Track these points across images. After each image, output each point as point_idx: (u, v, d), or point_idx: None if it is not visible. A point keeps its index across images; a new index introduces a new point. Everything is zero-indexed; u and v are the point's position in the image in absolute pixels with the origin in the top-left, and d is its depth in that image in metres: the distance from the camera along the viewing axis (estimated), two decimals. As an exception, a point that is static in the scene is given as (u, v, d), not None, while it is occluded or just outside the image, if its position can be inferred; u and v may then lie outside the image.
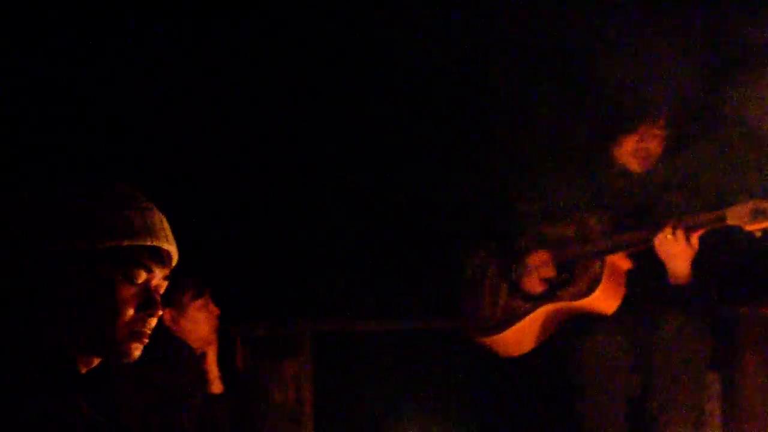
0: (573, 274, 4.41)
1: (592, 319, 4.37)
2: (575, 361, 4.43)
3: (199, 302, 4.28)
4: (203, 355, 4.42)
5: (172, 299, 4.20)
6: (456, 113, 5.11)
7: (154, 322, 1.90)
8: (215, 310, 4.35)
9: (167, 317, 4.23)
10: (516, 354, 4.64)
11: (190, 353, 4.29)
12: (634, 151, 4.42)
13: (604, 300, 4.36)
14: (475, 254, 4.70)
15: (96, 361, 1.89)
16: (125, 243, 1.83)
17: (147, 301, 1.88)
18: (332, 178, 5.24)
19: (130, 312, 1.85)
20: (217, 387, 4.48)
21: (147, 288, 1.88)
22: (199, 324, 4.28)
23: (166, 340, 4.15)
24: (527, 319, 4.53)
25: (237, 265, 4.92)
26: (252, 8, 5.05)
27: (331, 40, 5.09)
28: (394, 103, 5.15)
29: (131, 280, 1.85)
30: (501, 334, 4.60)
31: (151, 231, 1.86)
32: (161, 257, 1.89)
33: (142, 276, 1.86)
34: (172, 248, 1.92)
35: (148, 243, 1.86)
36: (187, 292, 4.25)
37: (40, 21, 4.64)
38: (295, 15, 5.06)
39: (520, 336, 4.59)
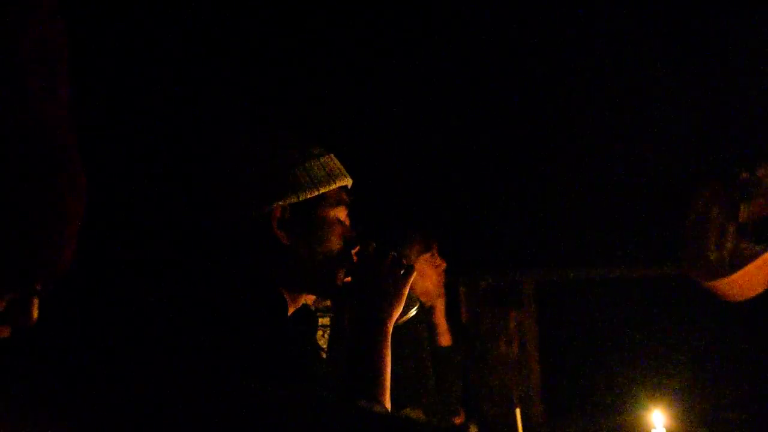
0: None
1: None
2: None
3: (427, 256, 4.32)
4: (432, 309, 4.47)
5: (401, 254, 4.26)
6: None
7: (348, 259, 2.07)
8: (442, 264, 4.38)
9: (396, 271, 4.30)
10: (744, 297, 4.53)
11: (420, 306, 4.34)
12: None
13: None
14: (698, 195, 4.60)
15: (301, 300, 2.06)
16: (333, 186, 2.03)
17: (347, 233, 2.07)
18: (552, 133, 5.22)
19: (336, 248, 2.04)
20: (445, 339, 4.53)
21: (345, 226, 2.07)
22: (426, 277, 4.33)
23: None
24: (757, 261, 4.41)
25: (461, 218, 4.96)
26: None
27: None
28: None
29: (337, 216, 2.04)
30: (730, 278, 4.49)
31: (342, 172, 2.07)
32: (349, 192, 2.10)
33: (345, 212, 2.06)
34: (350, 182, 2.11)
35: (345, 183, 2.07)
36: (415, 245, 4.30)
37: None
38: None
39: (749, 279, 4.47)
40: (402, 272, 2.15)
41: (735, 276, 4.48)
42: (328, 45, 4.85)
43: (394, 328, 2.11)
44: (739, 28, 4.61)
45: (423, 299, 4.35)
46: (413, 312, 2.28)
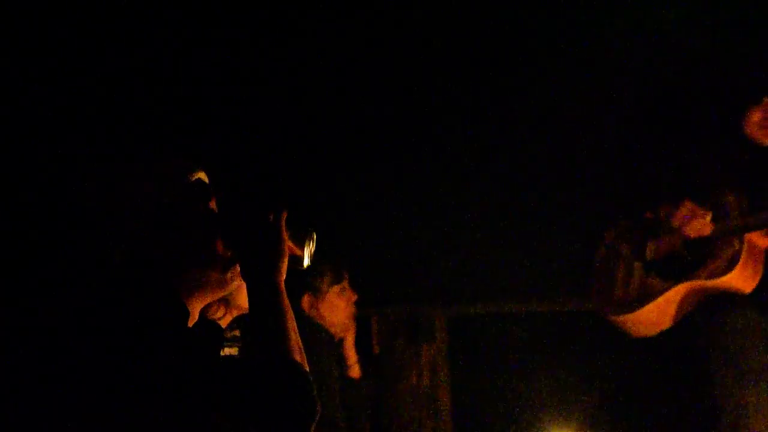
0: (710, 252, 4.34)
1: (728, 298, 4.31)
2: (709, 341, 4.36)
3: (338, 288, 4.33)
4: (342, 341, 4.48)
5: (311, 285, 4.26)
6: (589, 91, 5.10)
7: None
8: (353, 296, 4.40)
9: (306, 303, 4.30)
10: (650, 333, 4.59)
11: (329, 338, 4.35)
12: (761, 123, 4.32)
13: (742, 279, 4.28)
14: (607, 233, 4.67)
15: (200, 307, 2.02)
16: (189, 179, 2.01)
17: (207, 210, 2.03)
18: (465, 166, 5.26)
19: (215, 238, 1.99)
20: (355, 371, 4.54)
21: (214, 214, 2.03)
22: (337, 310, 4.34)
23: (304, 325, 4.22)
24: (663, 297, 4.47)
25: (373, 251, 4.97)
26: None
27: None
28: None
29: (207, 207, 2.01)
30: (636, 313, 4.55)
31: (192, 166, 2.05)
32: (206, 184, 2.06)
33: (212, 202, 2.03)
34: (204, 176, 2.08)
35: (198, 175, 2.05)
36: (326, 277, 4.31)
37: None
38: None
39: (655, 315, 4.53)
40: (272, 215, 1.96)
41: (641, 312, 4.54)
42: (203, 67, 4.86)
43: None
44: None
45: (333, 331, 4.36)
46: (312, 246, 2.05)
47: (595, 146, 4.90)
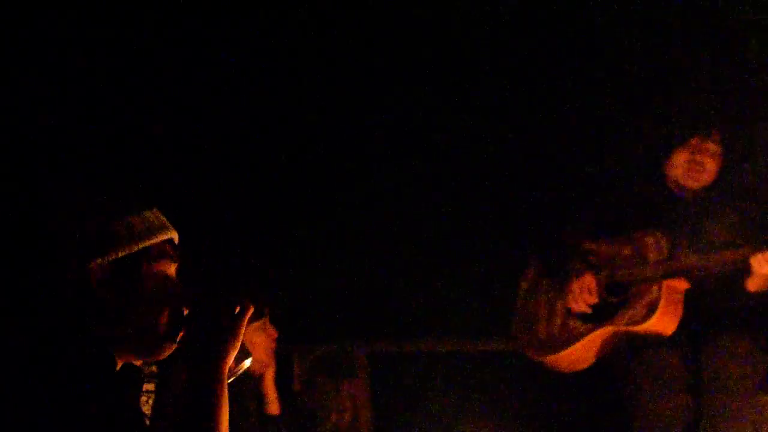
0: (628, 297, 4.35)
1: (648, 340, 4.33)
2: (630, 381, 4.39)
3: (257, 324, 4.31)
4: (260, 377, 4.46)
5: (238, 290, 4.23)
6: (508, 131, 5.12)
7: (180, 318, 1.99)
8: (273, 333, 4.38)
9: (225, 339, 4.26)
10: (573, 371, 4.60)
11: (247, 375, 4.31)
12: (687, 165, 4.35)
13: (662, 324, 4.29)
14: (528, 271, 4.67)
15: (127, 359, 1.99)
16: (155, 240, 1.97)
17: (176, 289, 2.00)
18: (390, 199, 5.27)
19: (165, 307, 1.97)
20: (273, 408, 4.51)
21: (172, 282, 2.00)
22: (256, 346, 4.31)
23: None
24: (584, 340, 4.48)
25: (294, 287, 4.96)
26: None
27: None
28: (429, 130, 5.20)
29: (164, 272, 1.98)
30: (556, 355, 4.56)
31: (165, 224, 2.01)
32: (176, 246, 2.03)
33: (172, 267, 2.00)
34: (176, 236, 2.05)
35: (168, 236, 2.01)
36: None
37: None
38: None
39: (577, 356, 4.55)
40: (238, 309, 1.98)
41: (564, 353, 4.55)
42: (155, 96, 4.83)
43: None
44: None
45: (252, 368, 4.32)
46: (247, 363, 2.10)
47: (517, 183, 4.94)
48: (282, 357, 4.60)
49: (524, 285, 4.67)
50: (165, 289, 1.97)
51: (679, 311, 4.31)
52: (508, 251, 4.83)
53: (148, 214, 1.98)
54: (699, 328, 4.34)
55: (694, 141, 4.32)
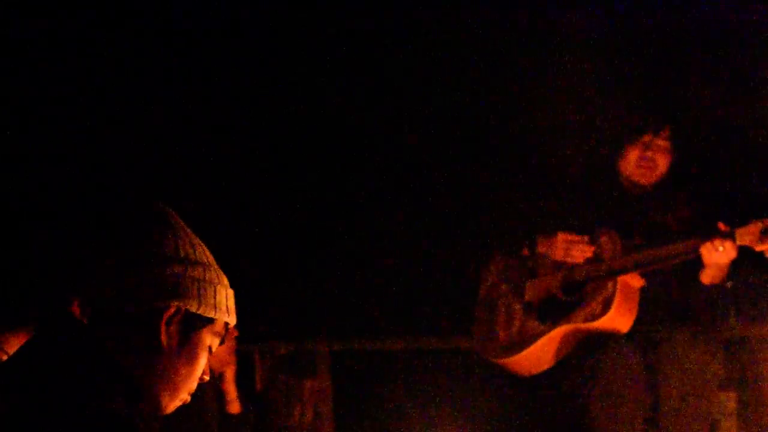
0: (584, 295, 4.39)
1: (605, 338, 4.37)
2: (587, 380, 4.42)
3: (216, 323, 4.31)
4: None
5: None
6: (465, 132, 5.15)
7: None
8: (234, 331, 4.38)
9: (185, 338, 4.27)
10: (532, 372, 4.63)
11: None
12: (638, 162, 4.40)
13: (618, 320, 4.33)
14: (487, 272, 4.69)
15: None
16: (224, 318, 1.98)
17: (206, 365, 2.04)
18: (349, 197, 5.28)
19: (200, 373, 2.01)
20: (234, 407, 4.52)
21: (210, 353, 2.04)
22: (217, 345, 4.31)
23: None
24: (541, 341, 4.50)
25: (255, 285, 4.97)
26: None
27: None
28: (397, 119, 5.21)
29: (211, 348, 2.00)
30: (516, 356, 4.58)
31: (233, 312, 2.02)
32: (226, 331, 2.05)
33: (217, 345, 2.02)
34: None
35: (231, 322, 2.02)
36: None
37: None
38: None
39: (535, 357, 4.56)
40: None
41: (522, 355, 4.56)
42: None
43: None
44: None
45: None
46: None
47: (478, 183, 4.96)
48: (244, 356, 4.60)
49: (482, 292, 4.69)
50: (204, 359, 2.00)
51: (635, 307, 4.35)
52: (472, 247, 4.84)
53: (230, 293, 2.01)
54: (656, 325, 4.39)
55: (645, 138, 4.38)
